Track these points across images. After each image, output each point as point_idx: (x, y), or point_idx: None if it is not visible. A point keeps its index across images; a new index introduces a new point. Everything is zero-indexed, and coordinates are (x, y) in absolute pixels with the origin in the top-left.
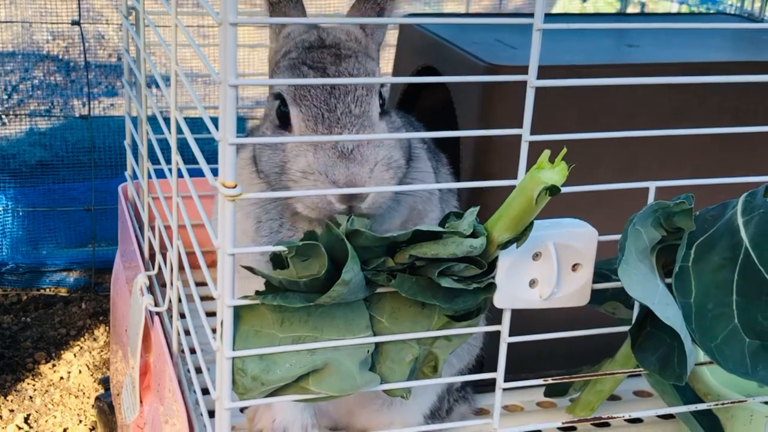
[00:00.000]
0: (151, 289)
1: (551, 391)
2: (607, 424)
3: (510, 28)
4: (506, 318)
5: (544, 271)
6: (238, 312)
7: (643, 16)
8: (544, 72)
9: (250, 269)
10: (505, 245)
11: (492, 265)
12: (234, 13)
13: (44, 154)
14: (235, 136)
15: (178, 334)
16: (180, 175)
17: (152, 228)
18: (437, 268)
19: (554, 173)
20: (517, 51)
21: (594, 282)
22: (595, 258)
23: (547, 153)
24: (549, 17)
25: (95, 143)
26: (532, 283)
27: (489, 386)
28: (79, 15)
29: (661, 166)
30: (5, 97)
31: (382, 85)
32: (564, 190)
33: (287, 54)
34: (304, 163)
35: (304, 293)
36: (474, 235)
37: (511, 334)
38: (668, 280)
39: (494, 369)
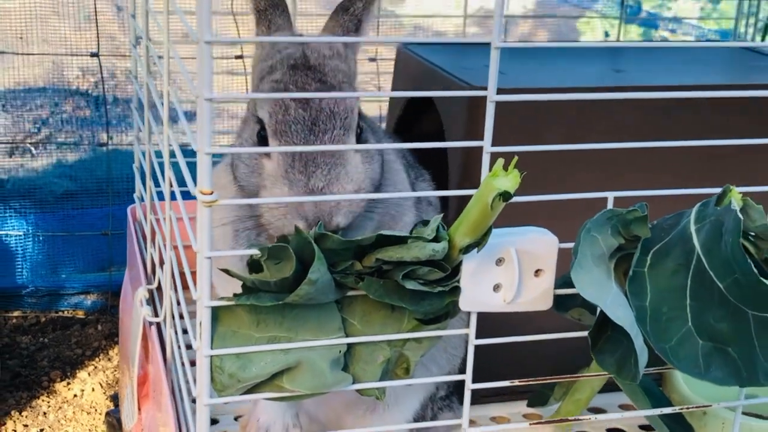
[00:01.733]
0: (152, 302)
1: (533, 402)
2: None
3: (503, 55)
4: (473, 321)
5: (508, 276)
6: (217, 313)
7: (640, 43)
8: (529, 93)
9: (227, 271)
10: (466, 249)
11: (456, 270)
12: (209, 32)
13: (70, 185)
14: (210, 146)
15: (173, 343)
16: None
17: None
18: (402, 271)
19: (507, 180)
20: (506, 76)
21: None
22: (556, 264)
23: (500, 162)
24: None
25: (113, 172)
26: (497, 288)
27: (473, 398)
28: (98, 47)
29: (643, 180)
30: (35, 130)
31: (361, 117)
32: (526, 199)
33: (272, 70)
34: (279, 195)
35: (275, 293)
36: (437, 239)
37: (500, 351)
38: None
39: (480, 379)
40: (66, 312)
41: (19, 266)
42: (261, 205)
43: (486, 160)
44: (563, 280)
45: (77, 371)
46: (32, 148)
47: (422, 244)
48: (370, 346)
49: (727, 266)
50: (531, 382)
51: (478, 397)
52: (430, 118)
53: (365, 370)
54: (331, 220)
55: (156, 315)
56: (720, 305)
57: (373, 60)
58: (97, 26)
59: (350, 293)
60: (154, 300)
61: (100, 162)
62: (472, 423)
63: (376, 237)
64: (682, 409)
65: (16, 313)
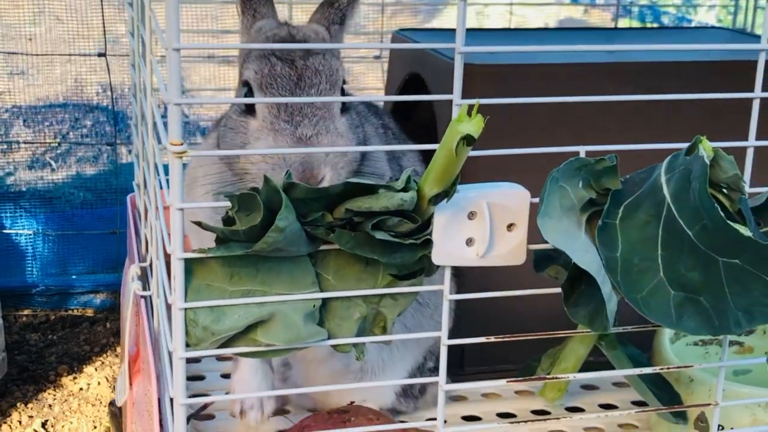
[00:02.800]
0: (144, 279)
1: (521, 374)
2: (580, 410)
3: (495, 37)
4: (447, 275)
5: (480, 230)
6: (191, 267)
7: (634, 30)
8: (521, 69)
9: (198, 223)
10: (435, 199)
11: (428, 223)
12: (177, 39)
13: (87, 195)
14: (179, 97)
15: (159, 310)
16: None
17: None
18: (372, 221)
19: (470, 125)
20: (495, 55)
21: (537, 257)
22: (528, 218)
23: (465, 107)
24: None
25: (122, 171)
26: (469, 242)
27: (462, 375)
28: (105, 49)
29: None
30: (56, 144)
31: (344, 82)
32: (498, 152)
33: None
34: (263, 145)
35: (244, 242)
36: (405, 190)
37: (490, 325)
38: None
39: (474, 362)
40: (75, 310)
41: (29, 265)
42: (245, 162)
43: (455, 111)
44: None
45: (84, 366)
46: (52, 162)
47: (391, 194)
48: (346, 302)
49: (696, 213)
50: (505, 338)
51: (468, 374)
52: (423, 103)
53: (341, 326)
54: (319, 170)
55: (146, 289)
56: (690, 254)
57: (377, 58)
58: (104, 30)
59: (323, 247)
60: (146, 278)
61: (107, 166)
62: (462, 399)
63: (344, 185)
64: (663, 369)
65: (26, 312)
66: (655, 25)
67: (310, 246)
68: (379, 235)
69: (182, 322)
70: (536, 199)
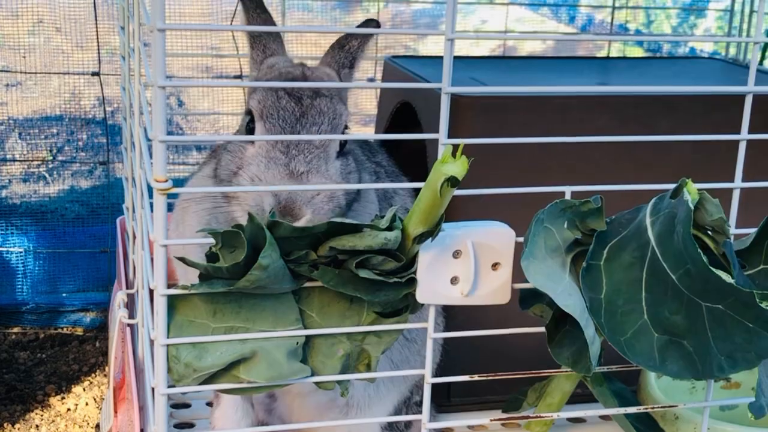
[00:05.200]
0: (131, 306)
1: (507, 408)
2: None
3: (486, 66)
4: (431, 314)
5: (465, 268)
6: (174, 303)
7: (625, 60)
8: (509, 101)
9: (182, 259)
10: (420, 239)
11: (413, 261)
12: (162, 19)
13: (81, 210)
14: (165, 134)
15: (144, 340)
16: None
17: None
18: (356, 259)
19: (455, 166)
20: (486, 87)
21: (523, 296)
22: (513, 258)
23: (449, 148)
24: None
25: (113, 191)
26: (454, 281)
27: (450, 406)
28: (99, 67)
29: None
30: (51, 158)
31: (346, 127)
32: (483, 192)
33: (270, 80)
34: (255, 170)
35: (228, 279)
36: (390, 229)
37: (478, 355)
38: None
39: (463, 393)
40: (65, 329)
41: (20, 283)
42: (238, 179)
43: (441, 151)
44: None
45: (72, 386)
46: (46, 175)
47: (375, 232)
48: (330, 340)
49: (680, 257)
50: (490, 377)
51: (456, 405)
52: (414, 131)
53: (324, 364)
54: (300, 209)
55: (132, 317)
56: (674, 298)
57: (371, 80)
58: (98, 49)
59: (307, 284)
60: (134, 303)
61: (101, 185)
62: (449, 431)
63: (328, 225)
64: (648, 408)
65: (15, 329)
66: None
67: (294, 283)
68: (363, 274)
69: (164, 358)
70: (521, 238)
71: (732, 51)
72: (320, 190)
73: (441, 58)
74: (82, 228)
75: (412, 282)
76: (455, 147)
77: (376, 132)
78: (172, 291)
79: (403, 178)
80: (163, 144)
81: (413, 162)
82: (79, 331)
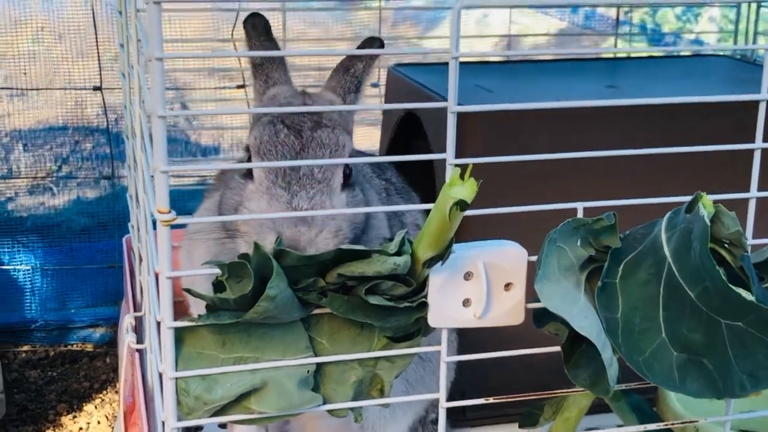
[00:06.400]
0: (139, 330)
1: (523, 423)
2: None
3: (490, 71)
4: (444, 337)
5: (477, 290)
6: (181, 335)
7: (634, 61)
8: (519, 111)
9: (188, 291)
10: (429, 263)
11: (423, 285)
12: (160, 48)
13: (88, 221)
14: (166, 164)
15: (153, 368)
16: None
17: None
18: (365, 286)
19: (464, 189)
20: (492, 95)
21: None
22: (525, 278)
23: (457, 171)
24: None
25: (120, 205)
26: (466, 303)
27: (465, 421)
28: (101, 81)
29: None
30: (56, 168)
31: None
32: (493, 212)
33: (269, 114)
34: (255, 208)
35: (235, 311)
36: (399, 253)
37: (493, 370)
38: None
39: (476, 408)
40: (75, 345)
41: (28, 301)
42: (239, 223)
43: (449, 172)
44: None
45: (84, 404)
46: (53, 186)
47: (384, 258)
48: (341, 366)
49: (697, 274)
50: (504, 399)
51: (471, 420)
52: (420, 141)
53: (336, 391)
54: (306, 246)
55: (140, 342)
56: (693, 315)
57: (375, 86)
58: (99, 60)
59: (317, 311)
60: (141, 328)
61: (107, 195)
62: None
63: (336, 252)
64: (668, 425)
65: (25, 348)
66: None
67: (303, 311)
68: (373, 300)
69: (173, 392)
70: (534, 258)
71: (741, 40)
72: (324, 227)
73: (445, 65)
74: (89, 243)
75: (424, 306)
76: (463, 168)
77: (381, 142)
78: (180, 323)
79: (414, 195)
80: (165, 174)
81: (421, 170)
82: (89, 347)
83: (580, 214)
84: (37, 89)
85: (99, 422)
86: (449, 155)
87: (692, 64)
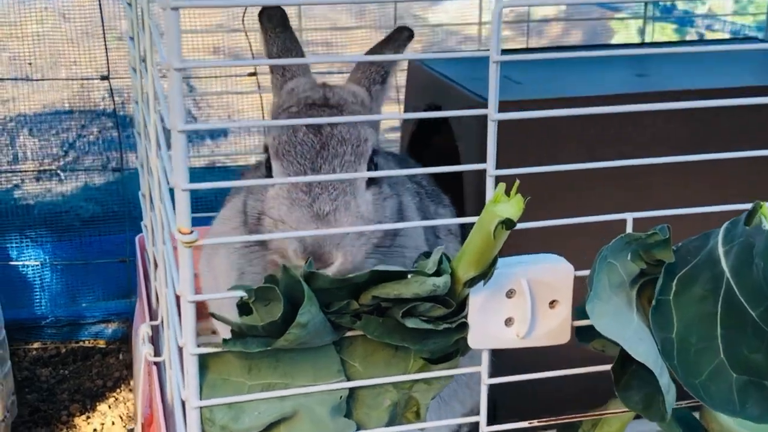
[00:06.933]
0: (156, 339)
1: None
2: None
3: (518, 63)
4: (485, 359)
5: (520, 309)
6: (205, 361)
7: (668, 44)
8: (541, 104)
9: (213, 315)
10: (471, 282)
11: (463, 304)
12: (178, 57)
13: (96, 209)
14: (188, 182)
15: (173, 386)
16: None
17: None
18: (402, 308)
19: (510, 206)
20: (522, 86)
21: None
22: (572, 294)
23: (502, 187)
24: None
25: (130, 197)
26: (508, 322)
27: None
28: (108, 65)
29: (676, 196)
30: (62, 153)
31: (375, 152)
32: (538, 224)
33: (288, 109)
34: (276, 215)
35: (264, 338)
36: (438, 273)
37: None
38: None
39: (508, 414)
40: (87, 342)
41: (38, 297)
42: (264, 225)
43: (490, 184)
44: (583, 308)
45: (97, 404)
46: (60, 172)
47: (422, 279)
48: (375, 390)
49: (760, 292)
50: (552, 422)
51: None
52: (443, 133)
53: (370, 416)
54: (330, 254)
55: (157, 354)
56: (754, 335)
57: None
58: (105, 48)
59: (349, 333)
60: (158, 336)
61: (116, 187)
62: None
63: (370, 274)
64: None
65: (35, 345)
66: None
67: (335, 334)
68: (411, 324)
69: (198, 422)
70: (581, 273)
71: None
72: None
73: (466, 61)
74: (99, 237)
75: (464, 327)
76: (508, 182)
77: (402, 134)
78: (204, 350)
79: (444, 197)
80: (186, 193)
81: (443, 162)
82: (101, 343)
83: (629, 227)
84: (42, 80)
85: (113, 423)
86: (489, 165)
87: (729, 53)
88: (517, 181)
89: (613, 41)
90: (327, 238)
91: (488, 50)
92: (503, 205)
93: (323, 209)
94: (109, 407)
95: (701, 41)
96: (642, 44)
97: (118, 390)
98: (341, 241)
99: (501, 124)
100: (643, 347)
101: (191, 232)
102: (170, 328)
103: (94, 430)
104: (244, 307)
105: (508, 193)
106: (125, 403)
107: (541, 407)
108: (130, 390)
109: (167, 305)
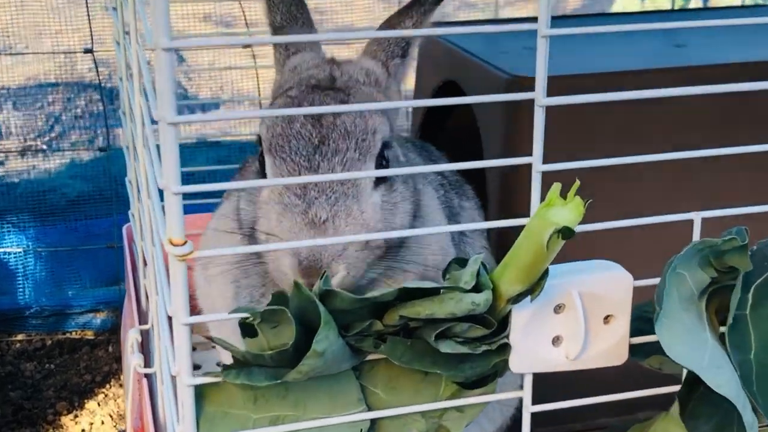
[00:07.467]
0: (146, 345)
1: None
2: None
3: (533, 33)
4: (527, 384)
5: (570, 326)
6: (203, 391)
7: (699, 11)
8: (574, 82)
9: (210, 338)
10: (515, 299)
11: (504, 322)
12: (167, 36)
13: (83, 186)
14: (179, 184)
15: (165, 404)
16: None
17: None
18: (434, 330)
19: (567, 211)
20: (553, 60)
21: (632, 329)
22: (630, 307)
23: (557, 187)
24: (578, 19)
25: (117, 178)
26: (556, 341)
27: None
28: (92, 42)
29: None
30: (47, 128)
31: (386, 146)
32: (587, 228)
33: (288, 91)
34: (266, 226)
35: (272, 368)
36: (477, 288)
37: (547, 386)
38: (723, 329)
39: (541, 415)
40: (74, 333)
41: (21, 285)
42: (256, 235)
43: (536, 181)
44: (635, 319)
45: (85, 401)
46: (45, 147)
47: (458, 296)
48: (400, 419)
49: None
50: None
51: None
52: (461, 114)
53: None
54: (329, 266)
55: (148, 365)
56: None
57: None
58: (89, 22)
59: (370, 356)
60: (148, 342)
61: (103, 164)
62: None
63: (398, 291)
64: None
65: (19, 337)
66: None
67: (355, 359)
68: (446, 348)
69: None
70: (640, 282)
71: None
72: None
73: (484, 25)
74: (84, 221)
75: (505, 348)
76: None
77: (414, 114)
78: (201, 380)
79: (467, 188)
80: (178, 197)
81: (461, 140)
82: (90, 334)
83: (697, 227)
84: (24, 53)
85: (103, 422)
86: (536, 160)
87: (757, 15)
88: (577, 182)
89: (613, 9)
90: (325, 249)
91: (536, 21)
92: (559, 210)
93: (319, 216)
94: (98, 405)
95: (743, 7)
96: (682, 11)
97: (107, 386)
98: (342, 252)
99: (526, 104)
100: (723, 377)
101: (185, 242)
102: (161, 350)
103: (83, 430)
104: (247, 328)
105: (564, 194)
106: (115, 400)
107: (575, 415)
108: (121, 385)
109: (158, 319)
